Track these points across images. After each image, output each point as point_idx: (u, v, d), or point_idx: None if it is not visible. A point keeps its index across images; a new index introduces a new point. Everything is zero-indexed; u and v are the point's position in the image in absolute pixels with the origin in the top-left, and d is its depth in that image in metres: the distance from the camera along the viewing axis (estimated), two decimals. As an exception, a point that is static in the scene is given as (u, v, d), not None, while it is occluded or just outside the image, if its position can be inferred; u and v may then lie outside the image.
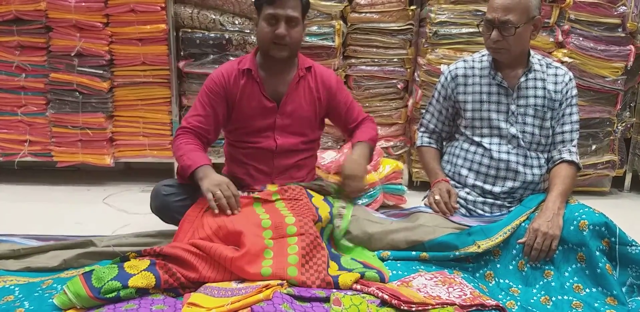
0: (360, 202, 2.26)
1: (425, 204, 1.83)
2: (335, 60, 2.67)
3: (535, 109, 1.76)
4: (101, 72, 2.61)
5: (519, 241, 1.57)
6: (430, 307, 1.28)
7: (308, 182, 1.83)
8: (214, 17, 2.61)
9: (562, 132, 1.77)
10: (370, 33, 2.70)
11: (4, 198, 2.54)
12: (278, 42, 1.67)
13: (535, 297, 1.48)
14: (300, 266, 1.39)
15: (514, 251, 1.58)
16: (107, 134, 2.69)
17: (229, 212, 1.55)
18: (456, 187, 1.83)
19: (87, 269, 1.54)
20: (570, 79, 1.79)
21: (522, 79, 1.76)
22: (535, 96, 1.76)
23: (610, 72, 2.64)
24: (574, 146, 1.77)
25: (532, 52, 1.79)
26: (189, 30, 2.63)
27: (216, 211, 1.55)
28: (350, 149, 1.87)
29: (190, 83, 2.71)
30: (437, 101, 1.91)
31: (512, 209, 1.74)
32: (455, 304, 1.31)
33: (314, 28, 2.61)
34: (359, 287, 1.36)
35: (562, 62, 2.50)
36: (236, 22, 2.63)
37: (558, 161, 1.75)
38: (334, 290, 1.34)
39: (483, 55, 1.83)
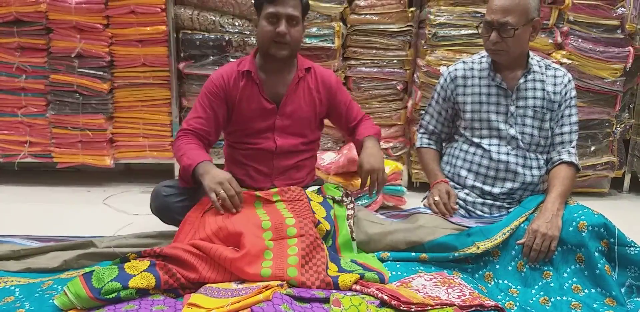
0: (360, 203, 2.26)
1: (424, 205, 1.83)
2: (335, 62, 2.68)
3: (535, 110, 1.76)
4: (101, 73, 2.61)
5: (518, 241, 1.58)
6: (429, 307, 1.28)
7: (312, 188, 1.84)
8: (213, 18, 2.62)
9: (561, 134, 1.78)
10: (370, 34, 2.70)
11: (4, 199, 2.54)
12: (279, 41, 1.68)
13: (534, 298, 1.48)
14: (300, 267, 1.39)
15: (513, 252, 1.58)
16: (107, 135, 2.70)
17: (233, 210, 1.56)
18: (455, 188, 1.83)
19: (87, 270, 1.54)
20: (570, 81, 1.80)
21: (521, 81, 1.76)
22: (535, 97, 1.76)
23: (609, 73, 2.65)
24: (573, 147, 1.78)
25: (531, 53, 1.79)
26: (189, 31, 2.63)
27: (221, 211, 1.56)
28: (358, 145, 1.87)
29: (190, 84, 2.71)
30: (437, 102, 1.91)
31: (511, 210, 1.74)
32: (455, 305, 1.31)
33: (314, 29, 2.61)
34: (358, 288, 1.36)
35: (561, 64, 2.50)
36: (236, 23, 2.63)
37: (557, 162, 1.75)
38: (334, 291, 1.34)
39: (482, 57, 1.84)
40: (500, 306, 1.34)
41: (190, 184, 1.69)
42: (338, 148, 2.74)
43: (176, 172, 2.79)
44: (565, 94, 1.78)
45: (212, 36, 2.62)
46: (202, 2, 2.62)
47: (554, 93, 1.77)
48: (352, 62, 2.75)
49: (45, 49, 2.61)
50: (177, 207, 1.71)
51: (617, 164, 2.82)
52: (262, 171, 1.83)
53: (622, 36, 2.63)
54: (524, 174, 1.76)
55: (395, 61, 2.74)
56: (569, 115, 1.78)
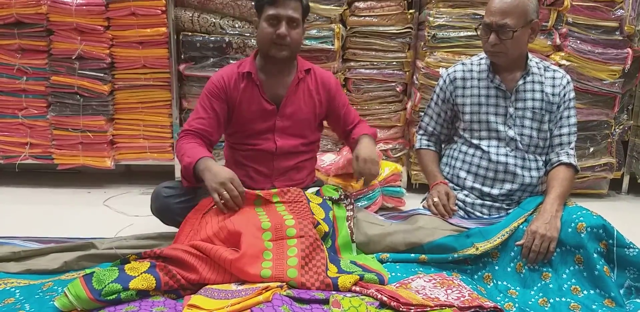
0: (359, 204, 2.27)
1: (424, 206, 1.84)
2: (335, 64, 2.68)
3: (533, 111, 1.77)
4: (102, 75, 2.62)
5: (517, 243, 1.58)
6: (428, 309, 1.28)
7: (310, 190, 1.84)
8: (214, 20, 2.63)
9: (560, 135, 1.78)
10: (369, 36, 2.71)
11: (5, 200, 2.55)
12: (279, 43, 1.69)
13: (533, 299, 1.48)
14: (300, 268, 1.40)
15: (512, 253, 1.59)
16: (107, 136, 2.70)
17: (236, 209, 1.57)
18: (455, 189, 1.84)
19: (87, 271, 1.55)
20: (568, 82, 1.80)
21: (520, 82, 1.77)
22: (533, 99, 1.77)
23: (608, 75, 2.65)
24: (572, 149, 1.78)
25: (530, 55, 1.80)
26: (190, 33, 2.64)
27: (225, 211, 1.57)
28: (354, 143, 1.88)
29: (191, 86, 2.72)
30: (436, 104, 1.92)
31: (510, 211, 1.75)
32: (454, 306, 1.31)
33: (314, 31, 2.62)
34: (358, 289, 1.37)
35: (560, 65, 2.51)
36: (236, 25, 2.64)
37: (556, 164, 1.76)
38: (333, 292, 1.35)
39: (481, 59, 1.84)
40: (499, 307, 1.34)
41: (193, 182, 1.68)
42: (338, 149, 2.74)
43: (176, 174, 2.79)
44: (564, 95, 1.78)
45: (213, 38, 2.62)
46: (203, 4, 2.63)
47: (553, 95, 1.77)
48: (352, 63, 2.76)
49: (46, 51, 2.61)
50: (177, 208, 1.72)
51: (616, 166, 2.83)
52: (262, 172, 1.84)
53: (621, 38, 2.64)
54: (523, 176, 1.76)
55: (394, 63, 2.75)
56: (568, 117, 1.79)
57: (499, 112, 1.78)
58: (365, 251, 1.67)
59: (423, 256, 1.60)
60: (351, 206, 1.77)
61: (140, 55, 2.61)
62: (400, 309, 1.27)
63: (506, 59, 1.73)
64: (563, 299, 1.45)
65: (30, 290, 1.45)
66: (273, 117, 1.80)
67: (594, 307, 1.40)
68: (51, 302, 1.32)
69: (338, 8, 2.62)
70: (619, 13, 2.60)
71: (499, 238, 1.59)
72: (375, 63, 2.74)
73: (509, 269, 1.58)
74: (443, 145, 2.00)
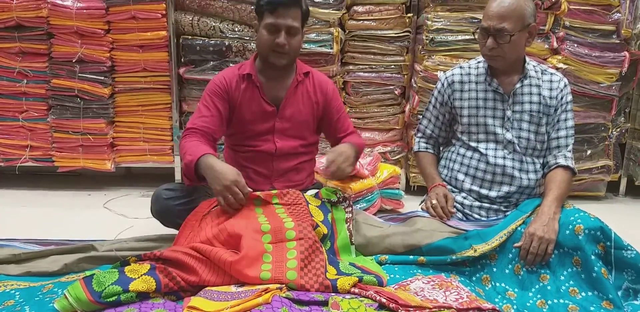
0: (358, 206, 2.27)
1: (422, 209, 1.84)
2: (334, 67, 2.70)
3: (531, 114, 1.78)
4: (102, 78, 2.63)
5: (515, 245, 1.59)
6: (427, 310, 1.29)
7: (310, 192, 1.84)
8: (214, 24, 2.64)
9: (558, 138, 1.79)
10: (368, 40, 2.73)
11: (5, 203, 2.55)
12: (278, 50, 1.70)
13: (531, 301, 1.49)
14: (299, 270, 1.40)
15: (510, 255, 1.59)
16: (107, 139, 2.71)
17: (240, 208, 1.58)
18: (453, 191, 1.84)
19: (87, 273, 1.55)
20: (565, 85, 1.81)
21: (518, 85, 1.78)
22: (531, 102, 1.78)
23: (605, 78, 2.67)
24: (570, 151, 1.79)
25: (527, 58, 1.81)
26: (189, 37, 2.65)
27: (230, 211, 1.57)
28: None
29: (191, 89, 2.73)
30: (434, 107, 1.93)
31: (508, 213, 1.75)
32: (452, 308, 1.32)
33: (313, 35, 2.63)
34: (357, 290, 1.37)
35: (557, 69, 2.52)
36: (236, 29, 2.65)
37: (553, 166, 1.77)
38: (333, 294, 1.35)
39: (479, 62, 1.85)
40: (497, 308, 1.35)
41: (195, 181, 1.67)
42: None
43: (176, 176, 2.80)
44: (562, 98, 1.79)
45: (212, 41, 2.64)
46: (203, 8, 2.65)
47: (550, 98, 1.78)
48: (351, 67, 2.77)
49: (47, 54, 2.62)
50: (177, 210, 1.72)
51: (613, 168, 2.84)
52: (262, 173, 1.85)
53: (618, 41, 2.66)
54: (521, 178, 1.77)
55: (393, 66, 2.76)
56: (565, 120, 1.80)
57: (496, 115, 1.79)
58: (364, 253, 1.67)
59: (421, 257, 1.61)
60: (350, 208, 1.77)
61: (141, 58, 2.63)
62: (399, 310, 1.28)
63: (504, 62, 1.74)
64: (561, 300, 1.46)
65: (30, 292, 1.45)
66: (273, 118, 1.81)
67: (592, 309, 1.41)
68: (51, 305, 1.32)
69: (337, 12, 2.64)
70: (616, 17, 2.62)
71: (497, 240, 1.60)
72: (373, 66, 2.76)
73: (507, 271, 1.58)
74: (441, 148, 2.01)
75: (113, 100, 2.70)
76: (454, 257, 1.59)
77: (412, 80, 2.76)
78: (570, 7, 2.58)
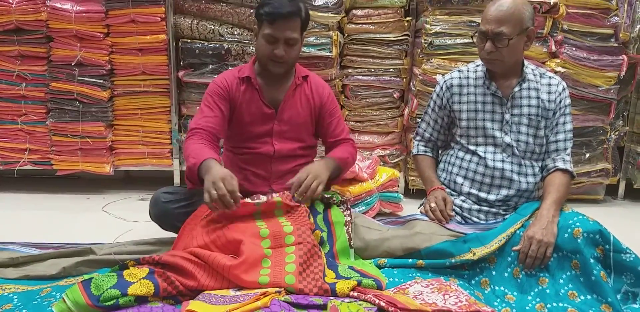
0: (357, 209, 2.27)
1: (421, 212, 1.85)
2: (333, 70, 2.70)
3: (529, 118, 1.78)
4: (101, 81, 2.63)
5: (514, 248, 1.59)
6: (426, 314, 1.29)
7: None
8: (213, 27, 2.65)
9: (556, 141, 1.80)
10: (367, 43, 2.73)
11: (4, 206, 2.55)
12: (276, 60, 1.71)
13: (530, 305, 1.49)
14: (298, 274, 1.40)
15: (509, 259, 1.59)
16: (106, 142, 2.71)
17: (226, 210, 1.50)
18: (452, 195, 1.84)
19: (86, 277, 1.55)
20: (564, 89, 1.82)
21: (516, 89, 1.78)
22: (529, 105, 1.78)
23: (604, 81, 2.67)
24: (568, 155, 1.79)
25: (525, 62, 1.82)
26: (189, 40, 2.66)
27: (215, 212, 1.53)
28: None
29: (190, 92, 2.73)
30: (433, 110, 1.93)
31: (507, 216, 1.75)
32: (451, 311, 1.32)
33: (312, 38, 2.64)
34: (356, 294, 1.37)
35: (556, 72, 2.53)
36: (235, 32, 2.66)
37: (552, 169, 1.77)
38: (331, 297, 1.35)
39: (478, 66, 1.86)
40: (496, 312, 1.36)
41: (197, 184, 1.66)
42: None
43: (175, 179, 2.80)
44: (560, 102, 1.80)
45: (212, 45, 2.64)
46: (202, 11, 2.65)
47: (549, 101, 1.79)
48: (350, 70, 2.78)
49: (46, 57, 2.62)
50: (176, 213, 1.72)
51: (612, 171, 2.84)
52: (261, 175, 1.85)
53: (616, 45, 2.66)
54: (519, 181, 1.77)
55: (391, 70, 2.77)
56: (564, 123, 1.80)
57: (495, 118, 1.80)
58: (363, 256, 1.67)
59: (420, 261, 1.61)
60: (348, 212, 1.77)
61: (140, 61, 2.63)
62: (398, 314, 1.28)
63: (502, 66, 1.75)
64: (560, 304, 1.46)
65: (28, 296, 1.45)
66: (271, 120, 1.82)
67: (590, 312, 1.41)
68: (49, 308, 1.32)
69: (336, 15, 2.64)
70: (614, 20, 2.63)
71: (496, 243, 1.60)
72: (372, 70, 2.76)
73: (506, 275, 1.58)
74: (440, 151, 2.01)
75: (112, 104, 2.70)
76: (453, 260, 1.59)
77: (411, 83, 2.77)
78: (569, 10, 2.59)
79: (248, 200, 1.62)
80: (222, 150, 2.04)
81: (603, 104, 2.73)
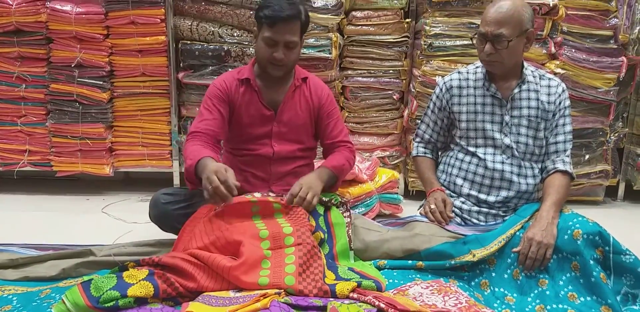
0: (357, 211, 2.27)
1: (421, 213, 1.85)
2: (332, 72, 2.71)
3: (529, 119, 1.78)
4: (101, 83, 2.64)
5: (514, 249, 1.59)
6: (426, 315, 1.29)
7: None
8: (213, 29, 2.65)
9: (556, 143, 1.80)
10: (367, 45, 2.74)
11: (3, 207, 2.55)
12: (275, 63, 1.71)
13: (530, 306, 1.48)
14: (298, 275, 1.40)
15: (509, 260, 1.59)
16: (106, 144, 2.71)
17: (222, 203, 1.49)
18: (451, 196, 1.84)
19: (85, 278, 1.55)
20: (563, 90, 1.82)
21: (516, 91, 1.79)
22: (529, 107, 1.78)
23: (603, 83, 2.68)
24: (568, 156, 1.79)
25: (525, 63, 1.82)
26: (188, 42, 2.66)
27: (215, 206, 1.54)
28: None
29: (190, 94, 2.74)
30: (432, 112, 1.93)
31: (506, 218, 1.75)
32: (451, 313, 1.32)
33: (311, 40, 2.64)
34: (355, 296, 1.37)
35: (555, 74, 2.53)
36: (235, 34, 2.66)
37: (552, 171, 1.77)
38: (331, 299, 1.35)
39: (477, 67, 1.86)
40: (496, 313, 1.35)
41: (196, 184, 1.65)
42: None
43: (175, 181, 2.80)
44: (560, 103, 1.80)
45: (211, 46, 2.65)
46: (202, 13, 2.66)
47: (548, 103, 1.79)
48: (349, 72, 2.78)
49: (46, 59, 2.63)
50: (176, 215, 1.72)
51: (612, 173, 2.84)
52: (260, 177, 1.85)
53: (615, 46, 2.67)
54: (519, 183, 1.77)
55: (391, 71, 2.77)
56: (563, 125, 1.80)
57: (494, 120, 1.80)
58: (363, 258, 1.67)
59: (420, 262, 1.61)
60: (348, 213, 1.77)
61: (140, 63, 2.63)
62: (398, 315, 1.28)
63: (502, 68, 1.75)
64: (560, 305, 1.45)
65: (27, 297, 1.45)
66: (270, 122, 1.82)
67: (590, 314, 1.41)
68: (49, 310, 1.32)
69: (336, 17, 2.65)
70: (613, 22, 2.63)
71: (495, 245, 1.60)
72: (372, 71, 2.77)
73: (505, 276, 1.58)
74: (440, 153, 2.01)
75: (112, 105, 2.71)
76: (452, 262, 1.59)
77: (411, 85, 2.77)
78: (568, 12, 2.60)
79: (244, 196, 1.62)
80: (222, 151, 2.05)
81: (602, 106, 2.73)
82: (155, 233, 1.86)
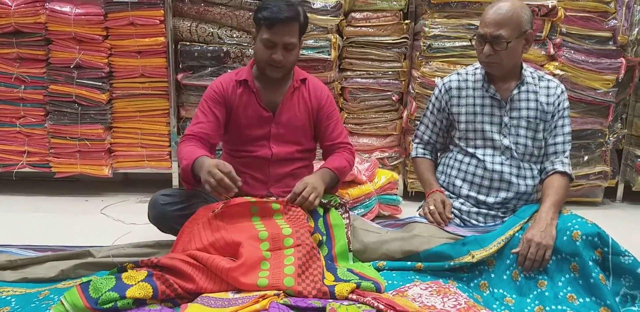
0: (356, 212, 2.27)
1: (420, 214, 1.85)
2: (331, 73, 2.71)
3: (528, 121, 1.78)
4: (100, 84, 2.63)
5: (513, 250, 1.59)
6: (425, 316, 1.29)
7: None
8: (212, 30, 2.65)
9: (555, 144, 1.80)
10: (366, 46, 2.74)
11: (2, 209, 2.54)
12: (274, 65, 1.71)
13: (529, 307, 1.48)
14: (297, 276, 1.40)
15: (508, 261, 1.59)
16: (105, 145, 2.71)
17: (229, 194, 1.52)
18: (450, 197, 1.85)
19: (84, 279, 1.55)
20: (562, 92, 1.82)
21: (515, 92, 1.79)
22: (528, 108, 1.79)
23: (602, 84, 2.68)
24: (567, 157, 1.80)
25: (524, 65, 1.82)
26: (188, 43, 2.66)
27: (220, 198, 1.55)
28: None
29: (189, 95, 2.74)
30: (432, 113, 1.94)
31: (505, 219, 1.75)
32: (450, 314, 1.32)
33: (311, 41, 2.65)
34: (354, 297, 1.37)
35: (554, 75, 2.54)
36: (234, 35, 2.67)
37: (551, 172, 1.77)
38: (330, 300, 1.35)
39: (476, 68, 1.86)
40: (495, 315, 1.35)
41: (193, 184, 1.67)
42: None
43: (174, 182, 2.80)
44: (558, 104, 1.80)
45: (211, 47, 2.65)
46: (201, 14, 2.66)
47: (547, 104, 1.79)
48: (348, 73, 2.78)
49: (45, 60, 2.63)
50: (174, 216, 1.72)
51: (610, 174, 2.84)
52: (259, 178, 1.85)
53: (614, 48, 2.67)
54: (518, 184, 1.78)
55: (390, 72, 2.78)
56: (562, 126, 1.80)
57: (494, 121, 1.80)
58: (362, 259, 1.67)
59: (419, 263, 1.61)
60: (347, 214, 1.77)
61: (139, 64, 2.63)
62: (397, 317, 1.28)
63: (501, 69, 1.75)
64: (559, 307, 1.45)
65: (26, 299, 1.45)
66: (269, 123, 1.82)
67: (589, 315, 1.41)
68: (47, 311, 1.32)
69: (335, 18, 2.65)
70: (612, 23, 2.64)
71: (494, 246, 1.60)
72: (371, 72, 2.77)
73: (504, 277, 1.58)
74: (439, 154, 2.01)
75: (111, 106, 2.70)
76: (451, 263, 1.59)
77: (410, 86, 2.77)
78: (567, 13, 2.60)
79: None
80: (220, 153, 2.05)
81: (601, 107, 2.73)
82: (154, 234, 1.86)
